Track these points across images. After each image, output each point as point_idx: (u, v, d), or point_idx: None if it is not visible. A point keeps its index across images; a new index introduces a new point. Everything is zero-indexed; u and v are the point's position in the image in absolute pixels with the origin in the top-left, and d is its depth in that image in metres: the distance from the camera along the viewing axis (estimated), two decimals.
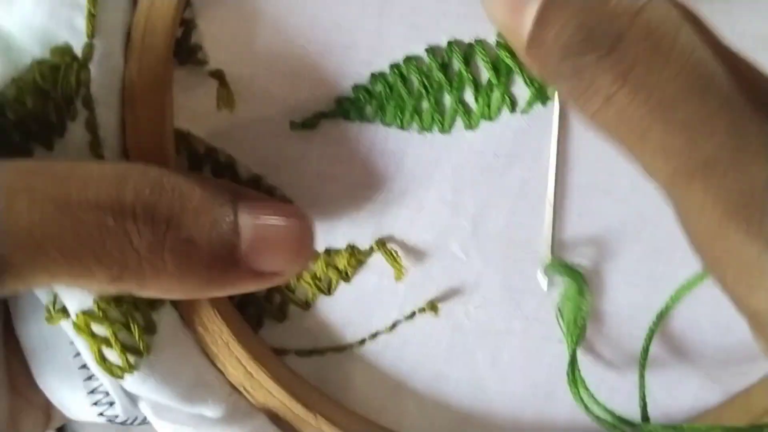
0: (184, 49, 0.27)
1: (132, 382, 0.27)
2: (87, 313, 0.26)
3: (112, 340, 0.26)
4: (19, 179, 0.23)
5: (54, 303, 0.27)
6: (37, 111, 0.25)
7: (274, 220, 0.26)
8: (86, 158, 0.26)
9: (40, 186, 0.23)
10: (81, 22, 0.25)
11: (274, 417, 0.30)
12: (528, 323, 0.31)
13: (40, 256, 0.22)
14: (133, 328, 0.27)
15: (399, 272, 0.30)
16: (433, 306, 0.31)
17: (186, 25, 0.27)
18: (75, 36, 0.25)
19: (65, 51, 0.25)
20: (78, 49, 0.25)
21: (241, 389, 0.29)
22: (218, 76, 0.27)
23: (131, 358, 0.27)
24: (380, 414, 0.32)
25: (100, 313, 0.26)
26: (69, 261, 0.22)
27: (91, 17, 0.25)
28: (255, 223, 0.25)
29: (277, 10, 0.27)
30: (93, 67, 0.25)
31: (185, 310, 0.28)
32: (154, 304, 0.27)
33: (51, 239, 0.22)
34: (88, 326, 0.26)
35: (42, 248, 0.22)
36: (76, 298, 0.26)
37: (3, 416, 0.28)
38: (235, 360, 0.29)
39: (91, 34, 0.25)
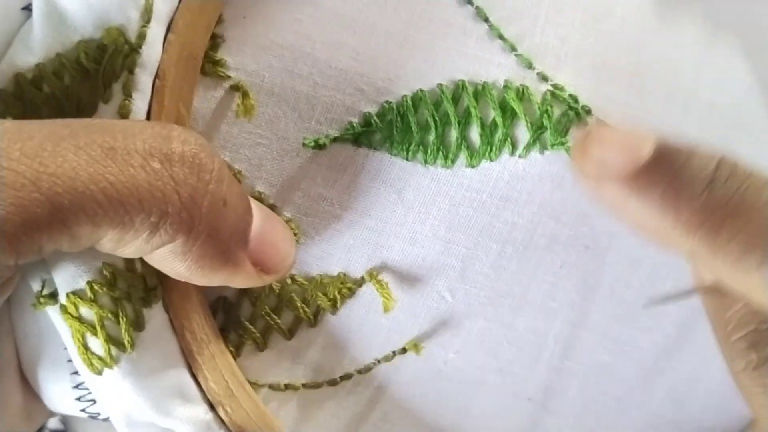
0: (209, 60, 0.28)
1: (110, 379, 0.26)
2: (77, 293, 0.25)
3: (98, 327, 0.26)
4: (63, 128, 0.23)
5: (42, 288, 0.26)
6: (73, 88, 0.26)
7: (273, 222, 0.27)
8: None
9: (84, 134, 0.23)
10: (138, 7, 0.26)
11: None
12: (502, 377, 0.31)
13: (87, 201, 0.22)
14: (121, 318, 0.26)
15: (388, 304, 0.30)
16: (416, 346, 0.31)
17: (214, 38, 0.28)
18: (130, 20, 0.26)
19: (120, 32, 0.26)
20: (132, 33, 0.26)
21: (219, 408, 0.29)
22: (241, 90, 0.28)
23: (114, 351, 0.26)
24: None
25: (92, 295, 0.25)
26: (113, 205, 0.22)
27: (150, 3, 0.26)
28: (263, 216, 0.27)
29: (300, 33, 0.28)
30: (140, 54, 0.26)
31: (176, 314, 0.28)
32: (147, 299, 0.27)
33: (97, 181, 0.22)
34: (76, 308, 0.26)
35: (88, 192, 0.22)
36: (69, 277, 0.26)
37: (16, 407, 0.27)
38: (219, 374, 0.28)
39: (148, 19, 0.26)
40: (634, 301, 0.32)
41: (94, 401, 0.28)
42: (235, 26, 0.28)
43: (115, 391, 0.27)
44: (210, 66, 0.28)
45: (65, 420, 0.36)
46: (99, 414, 0.29)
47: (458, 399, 0.31)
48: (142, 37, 0.26)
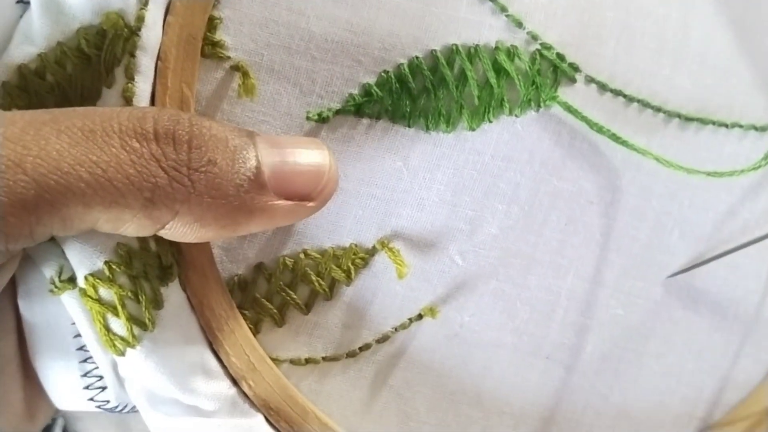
0: (209, 42, 0.29)
1: (133, 359, 0.27)
2: (96, 275, 0.26)
3: (119, 307, 0.26)
4: (44, 114, 0.23)
5: (60, 274, 0.27)
6: (76, 76, 0.26)
7: (293, 148, 0.27)
8: None
9: (64, 118, 0.23)
10: None
11: (272, 415, 0.29)
12: (518, 336, 0.32)
13: (74, 182, 0.22)
14: (141, 297, 0.26)
15: (402, 270, 0.30)
16: (432, 310, 0.31)
17: (212, 20, 0.29)
18: (128, 4, 0.26)
19: (119, 16, 0.26)
20: (131, 16, 0.26)
21: (242, 382, 0.29)
22: (241, 69, 0.29)
23: (136, 330, 0.26)
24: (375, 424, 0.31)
25: (110, 275, 0.26)
26: (101, 184, 0.23)
27: None
28: (274, 150, 0.26)
29: (295, 7, 0.29)
30: (140, 36, 0.27)
31: (194, 292, 0.28)
32: (163, 277, 0.27)
33: (81, 161, 0.23)
34: (95, 290, 0.26)
35: (73, 171, 0.22)
36: (86, 260, 0.26)
37: (18, 406, 0.28)
38: (240, 348, 0.29)
39: (146, 2, 0.26)
40: (642, 253, 0.32)
41: (103, 388, 0.28)
42: (232, 7, 0.29)
43: (139, 370, 0.27)
44: (209, 48, 0.29)
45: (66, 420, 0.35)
46: (108, 402, 0.29)
47: (477, 362, 0.32)
48: (140, 19, 0.26)
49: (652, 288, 0.33)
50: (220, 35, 0.29)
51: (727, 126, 0.32)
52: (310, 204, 0.27)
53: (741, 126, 0.32)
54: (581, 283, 0.32)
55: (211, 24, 0.29)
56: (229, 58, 0.29)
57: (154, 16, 0.27)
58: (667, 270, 0.33)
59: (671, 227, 0.32)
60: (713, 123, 0.32)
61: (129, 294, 0.26)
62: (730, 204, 0.33)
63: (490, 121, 0.30)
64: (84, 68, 0.26)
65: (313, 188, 0.27)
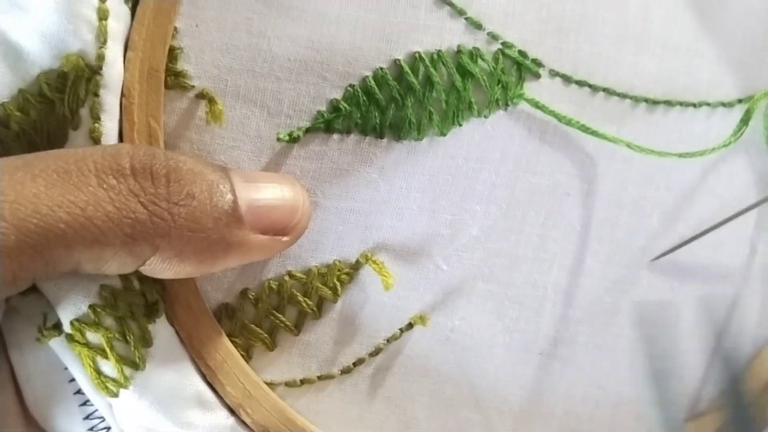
0: (171, 73, 0.29)
1: (127, 399, 0.27)
2: (81, 319, 0.26)
3: (108, 349, 0.26)
4: (16, 160, 0.23)
5: (45, 321, 0.26)
6: (41, 121, 0.26)
7: (266, 183, 0.27)
8: None
9: (38, 162, 0.23)
10: (92, 30, 0.26)
11: None
12: (509, 335, 0.32)
13: (54, 223, 0.22)
14: (129, 337, 0.26)
15: (388, 282, 0.30)
16: (421, 318, 0.31)
17: (172, 50, 0.28)
18: (87, 43, 0.26)
19: (79, 57, 0.26)
20: (91, 56, 0.26)
21: (240, 411, 0.29)
22: (207, 96, 0.29)
23: (127, 370, 0.26)
24: None
25: (95, 318, 0.26)
26: (82, 224, 0.23)
27: (104, 24, 0.26)
28: (249, 185, 0.27)
29: (254, 30, 0.29)
30: (102, 75, 0.27)
31: (181, 325, 0.28)
32: (150, 314, 0.27)
33: (59, 203, 0.22)
34: (82, 334, 0.26)
35: (53, 214, 0.22)
36: (71, 305, 0.26)
37: None
38: (233, 377, 0.29)
39: (104, 41, 0.26)
40: (624, 239, 0.32)
41: (107, 428, 0.28)
42: (191, 35, 0.29)
43: (134, 410, 0.27)
44: (172, 78, 0.29)
45: None
46: None
47: (471, 364, 0.32)
48: (101, 58, 0.26)
49: (637, 272, 0.33)
50: (181, 65, 0.29)
51: (694, 105, 0.33)
52: (285, 238, 0.27)
53: (708, 104, 0.33)
54: (566, 275, 0.32)
55: (172, 54, 0.28)
56: (193, 87, 0.29)
57: (113, 53, 0.27)
58: (650, 254, 0.33)
59: (650, 211, 0.33)
60: (681, 104, 0.32)
61: (116, 335, 0.26)
62: (706, 182, 0.33)
63: (460, 125, 0.30)
64: (48, 113, 0.26)
65: (288, 223, 0.27)
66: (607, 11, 0.31)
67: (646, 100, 0.32)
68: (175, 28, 0.28)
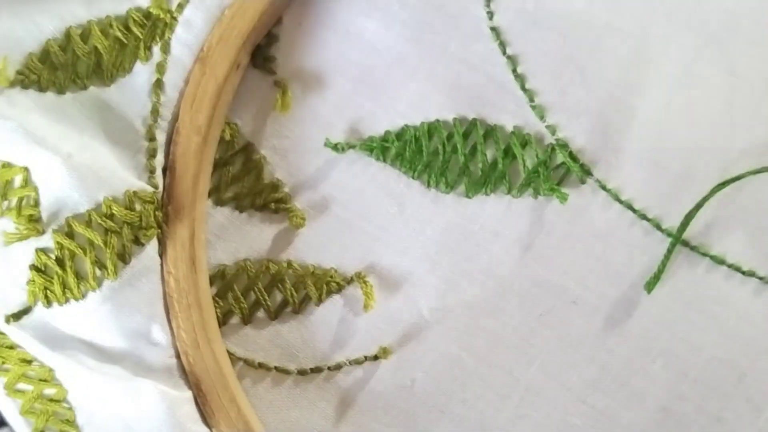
0: (262, 55, 0.32)
1: (90, 303, 0.29)
2: (77, 218, 0.29)
3: (88, 249, 0.29)
4: None
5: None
6: (113, 47, 0.31)
7: None
8: (143, 98, 0.31)
9: None
10: None
11: (201, 396, 0.31)
12: (466, 410, 0.32)
13: None
14: (108, 246, 0.29)
15: (369, 303, 0.32)
16: (385, 351, 0.32)
17: (270, 37, 0.32)
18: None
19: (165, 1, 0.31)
20: (174, 3, 0.31)
21: (183, 357, 0.30)
22: (282, 86, 0.32)
23: (98, 272, 0.29)
24: None
25: (88, 221, 0.29)
26: None
27: None
28: None
29: (340, 53, 0.32)
30: (180, 22, 0.31)
31: (166, 260, 0.31)
32: (137, 238, 0.30)
33: None
34: (71, 230, 0.29)
35: None
36: (72, 204, 0.29)
37: None
38: (191, 325, 0.30)
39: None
40: (619, 371, 0.32)
41: None
42: (291, 30, 0.32)
43: (91, 318, 0.29)
44: (261, 60, 0.32)
45: None
46: None
47: (419, 422, 0.32)
48: (181, 8, 0.31)
49: (622, 412, 0.32)
50: (273, 51, 0.33)
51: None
52: None
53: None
54: (545, 378, 0.32)
55: (269, 40, 0.32)
56: (275, 73, 0.33)
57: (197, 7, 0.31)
58: (642, 397, 0.31)
59: (655, 355, 0.31)
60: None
61: (98, 240, 0.29)
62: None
63: (488, 194, 0.32)
64: (121, 42, 0.30)
65: None
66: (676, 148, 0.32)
67: (688, 246, 0.31)
68: (281, 19, 0.32)
